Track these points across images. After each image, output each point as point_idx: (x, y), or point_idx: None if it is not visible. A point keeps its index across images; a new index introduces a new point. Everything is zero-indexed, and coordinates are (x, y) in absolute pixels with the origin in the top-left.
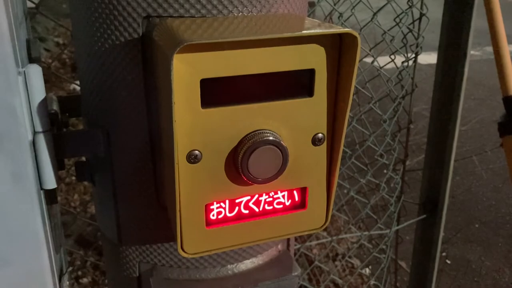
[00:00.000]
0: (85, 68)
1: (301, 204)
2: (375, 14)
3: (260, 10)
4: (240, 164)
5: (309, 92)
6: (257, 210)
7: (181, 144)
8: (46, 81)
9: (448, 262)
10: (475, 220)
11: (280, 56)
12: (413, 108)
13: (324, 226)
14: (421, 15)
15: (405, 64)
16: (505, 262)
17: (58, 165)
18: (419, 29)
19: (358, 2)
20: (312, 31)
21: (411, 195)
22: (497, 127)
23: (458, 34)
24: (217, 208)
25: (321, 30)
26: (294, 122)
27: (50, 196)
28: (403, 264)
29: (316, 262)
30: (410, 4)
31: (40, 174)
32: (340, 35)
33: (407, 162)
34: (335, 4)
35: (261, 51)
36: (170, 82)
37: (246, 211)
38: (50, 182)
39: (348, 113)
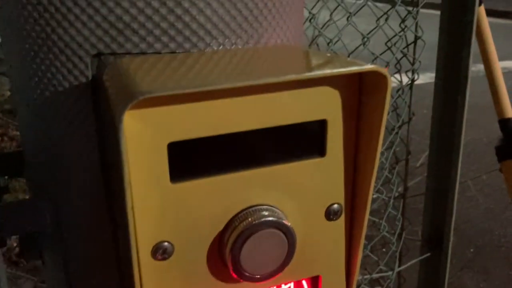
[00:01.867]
0: (24, 120)
1: None
2: (365, 37)
3: (246, 41)
4: (229, 258)
5: (320, 151)
6: None
7: (144, 235)
8: None
9: None
10: (471, 245)
11: (279, 105)
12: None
13: None
14: (416, 38)
15: (400, 92)
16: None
17: None
18: (414, 53)
19: (346, 26)
20: (324, 71)
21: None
22: (488, 148)
23: (458, 56)
24: None
25: (336, 69)
26: (302, 191)
27: None
28: None
29: None
30: (403, 27)
31: None
32: (359, 74)
33: (399, 189)
34: (322, 28)
35: (252, 100)
36: (120, 150)
37: None
38: None
39: (374, 176)
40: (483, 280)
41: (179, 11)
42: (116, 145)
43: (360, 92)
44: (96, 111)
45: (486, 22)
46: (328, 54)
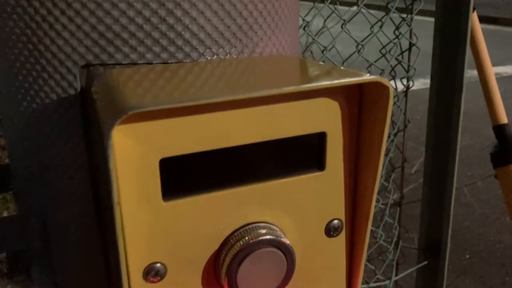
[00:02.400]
0: (11, 133)
1: None
2: (359, 44)
3: (241, 51)
4: (225, 279)
5: (319, 165)
6: None
7: (135, 257)
8: None
9: None
10: (466, 251)
11: (276, 117)
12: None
13: None
14: (411, 45)
15: (395, 99)
16: None
17: None
18: (409, 60)
19: (340, 33)
20: (324, 82)
21: (410, 235)
22: (482, 154)
23: (452, 63)
24: None
25: (336, 80)
26: (300, 207)
27: None
28: None
29: None
30: (397, 34)
31: None
32: (360, 85)
33: (394, 196)
34: (315, 35)
35: (248, 113)
36: (108, 168)
37: None
38: None
39: (376, 189)
40: (479, 287)
41: (171, 20)
42: (104, 162)
43: (360, 104)
44: (85, 124)
45: (479, 28)
46: (326, 65)
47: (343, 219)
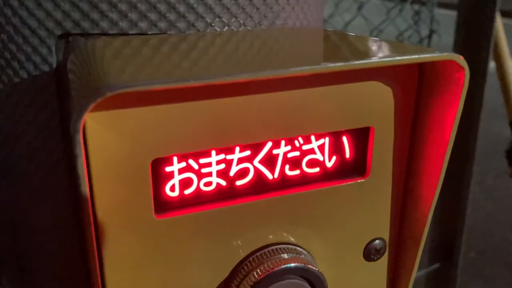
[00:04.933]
0: None
1: None
2: (375, 29)
3: (258, 22)
4: None
5: (360, 170)
6: None
7: (119, 285)
8: None
9: None
10: (471, 249)
11: (304, 107)
12: None
13: None
14: (431, 32)
15: None
16: None
17: None
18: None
19: (353, 18)
20: (380, 59)
21: None
22: (491, 151)
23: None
24: None
25: (397, 57)
26: (334, 224)
27: None
28: None
29: None
30: (416, 20)
31: None
32: (420, 66)
33: None
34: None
35: (268, 100)
36: (77, 172)
37: None
38: None
39: (434, 203)
40: (484, 286)
41: None
42: (73, 164)
43: (418, 90)
44: (62, 109)
45: (499, 19)
46: (371, 38)
47: (387, 239)
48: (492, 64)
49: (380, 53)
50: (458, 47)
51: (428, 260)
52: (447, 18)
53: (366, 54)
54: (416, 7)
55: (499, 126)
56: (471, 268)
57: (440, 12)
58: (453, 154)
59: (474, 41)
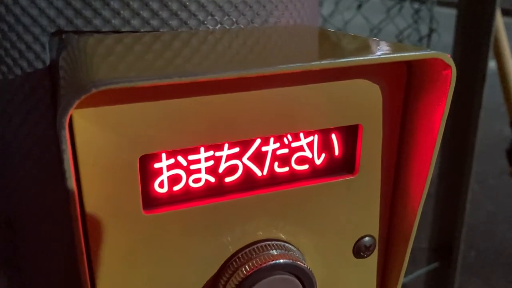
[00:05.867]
0: None
1: None
2: (375, 29)
3: (251, 20)
4: None
5: (349, 167)
6: None
7: (108, 281)
8: None
9: None
10: (472, 249)
11: (294, 105)
12: None
13: None
14: (431, 30)
15: None
16: None
17: None
18: (428, 47)
19: (353, 17)
20: (368, 57)
21: (421, 235)
22: (491, 150)
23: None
24: None
25: (387, 55)
26: (324, 221)
27: None
28: None
29: None
30: (415, 18)
31: None
32: (409, 64)
33: None
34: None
35: (256, 96)
36: (64, 168)
37: None
38: None
39: (423, 201)
40: (485, 286)
41: None
42: (59, 161)
43: (406, 87)
44: (56, 106)
45: (499, 18)
46: (361, 36)
47: (377, 236)
48: (493, 63)
49: (368, 51)
50: (458, 46)
51: (427, 259)
52: (447, 17)
53: (354, 52)
54: (416, 5)
55: (500, 125)
56: (472, 267)
57: (439, 10)
58: (453, 153)
59: (474, 39)
